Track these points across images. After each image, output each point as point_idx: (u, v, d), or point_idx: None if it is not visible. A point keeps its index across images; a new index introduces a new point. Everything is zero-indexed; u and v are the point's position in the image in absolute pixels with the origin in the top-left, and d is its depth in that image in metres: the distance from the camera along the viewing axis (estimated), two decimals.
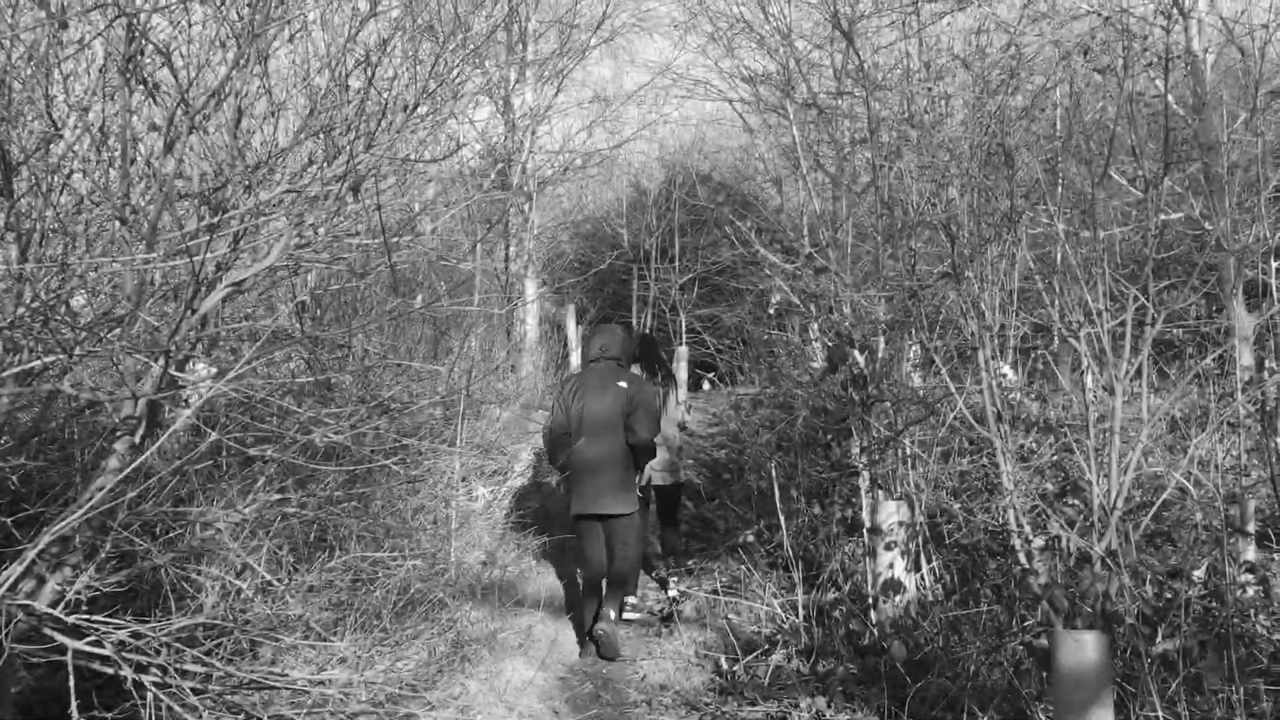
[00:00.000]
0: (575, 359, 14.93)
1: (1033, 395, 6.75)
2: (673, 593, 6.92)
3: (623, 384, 6.42)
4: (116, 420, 3.53)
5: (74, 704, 3.02)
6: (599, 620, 6.11)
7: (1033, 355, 7.51)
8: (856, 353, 6.01)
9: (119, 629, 3.33)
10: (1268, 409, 4.75)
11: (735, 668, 5.53)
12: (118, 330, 3.27)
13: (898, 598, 5.49)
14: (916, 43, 8.39)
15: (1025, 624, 4.77)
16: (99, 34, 3.13)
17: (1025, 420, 5.74)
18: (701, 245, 16.60)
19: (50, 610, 3.20)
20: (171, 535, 4.31)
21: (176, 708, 3.56)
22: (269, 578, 4.44)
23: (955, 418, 5.65)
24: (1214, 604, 4.41)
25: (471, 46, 4.20)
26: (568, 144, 15.83)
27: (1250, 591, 4.70)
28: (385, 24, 4.00)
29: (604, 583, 6.33)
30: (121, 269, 3.27)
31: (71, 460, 4.57)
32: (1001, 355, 6.82)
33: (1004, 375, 6.31)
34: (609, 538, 6.37)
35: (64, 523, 2.84)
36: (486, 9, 6.23)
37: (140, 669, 3.48)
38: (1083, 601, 3.95)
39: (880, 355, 6.11)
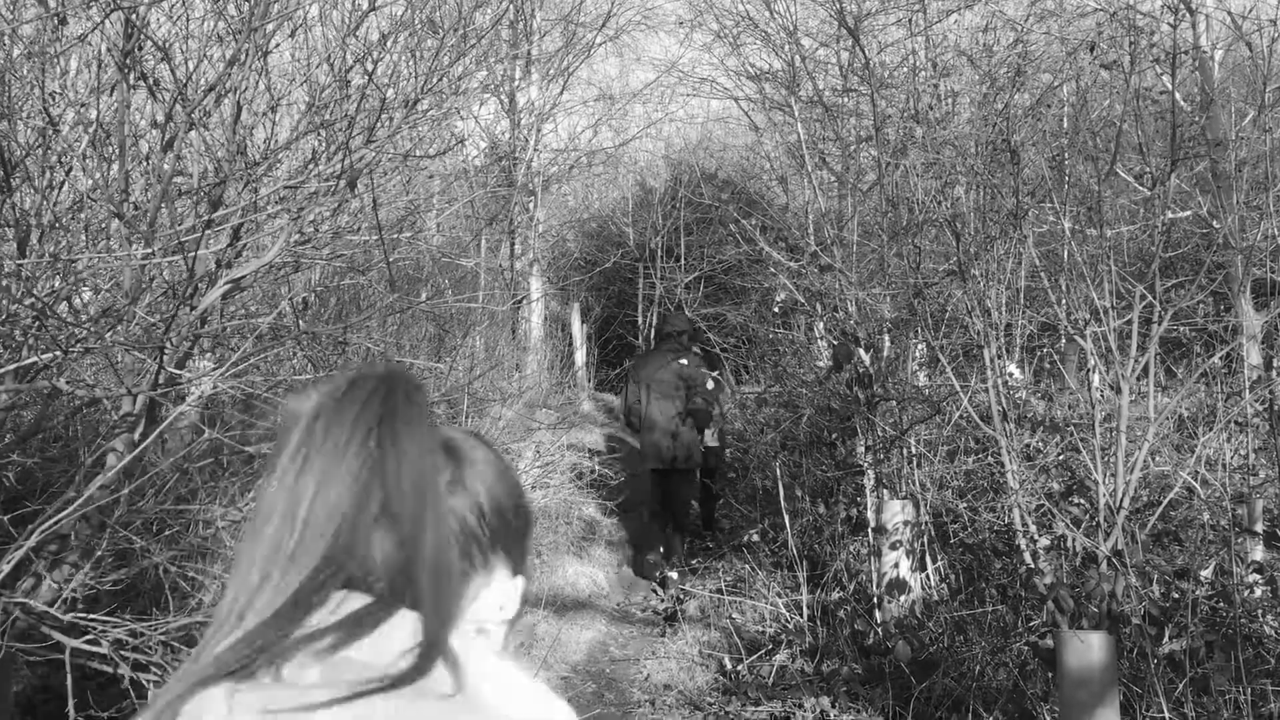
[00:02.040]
0: (580, 357, 14.91)
1: (1039, 394, 6.71)
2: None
3: (682, 361, 7.86)
4: (115, 418, 3.52)
5: (71, 703, 3.00)
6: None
7: (1039, 354, 7.47)
8: (862, 351, 5.98)
9: (116, 627, 3.31)
10: (1276, 408, 4.71)
11: (739, 667, 5.50)
12: (117, 327, 3.25)
13: (902, 597, 5.46)
14: (923, 40, 8.37)
15: (1030, 624, 4.74)
16: (96, 27, 3.12)
17: (1031, 419, 5.71)
18: (707, 244, 16.55)
19: (47, 608, 3.18)
20: (172, 533, 4.29)
21: None
22: None
23: (961, 416, 5.62)
24: (1221, 604, 4.38)
25: (474, 41, 4.18)
26: (573, 142, 15.81)
27: (1258, 591, 4.67)
28: (386, 19, 3.98)
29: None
30: (120, 266, 3.25)
31: (74, 458, 4.56)
32: (1007, 354, 6.79)
33: (1010, 374, 6.28)
34: (670, 486, 7.80)
35: (55, 519, 2.82)
36: (491, 5, 6.22)
37: (139, 667, 3.46)
38: (1088, 601, 3.92)
39: (885, 354, 6.08)
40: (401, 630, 0.90)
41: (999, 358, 4.80)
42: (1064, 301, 4.60)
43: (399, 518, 0.91)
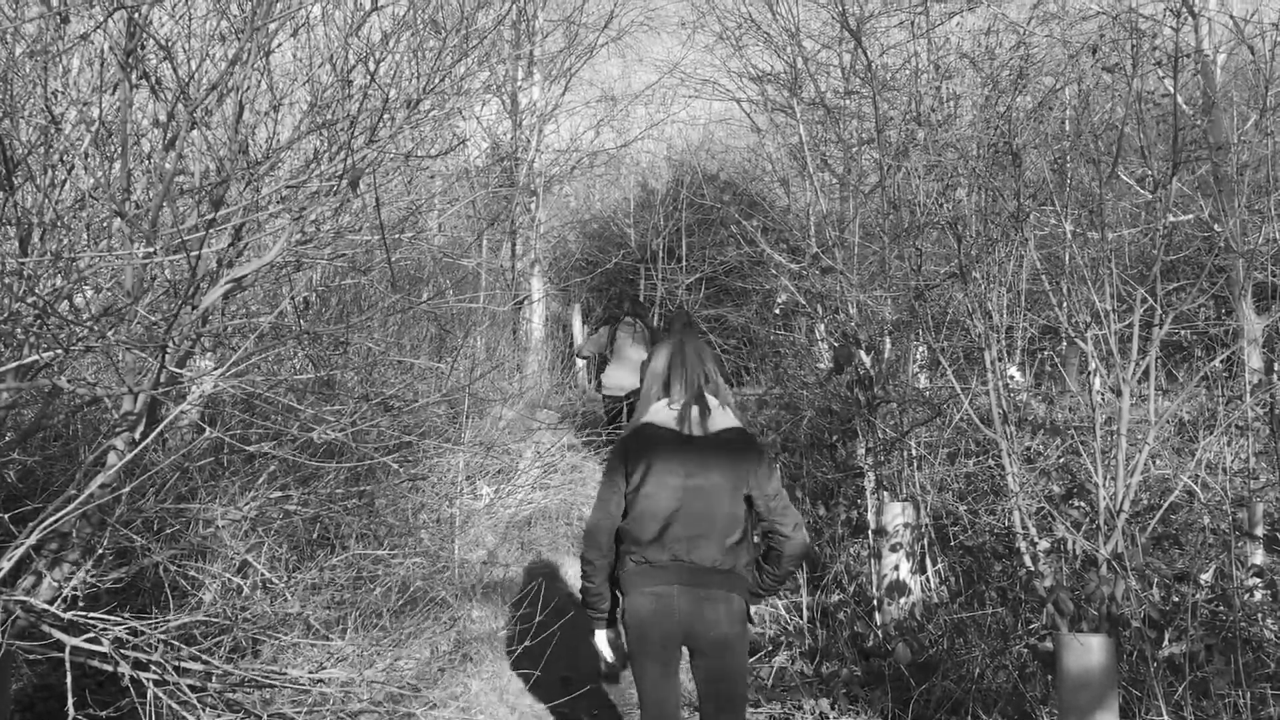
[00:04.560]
0: (580, 359, 14.92)
1: (1039, 397, 6.71)
2: None
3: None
4: (116, 416, 3.52)
5: (70, 701, 3.00)
6: None
7: (1039, 356, 7.47)
8: (863, 353, 5.98)
9: (117, 626, 3.31)
10: (1276, 412, 4.71)
11: None
12: (118, 326, 3.25)
13: (902, 600, 5.46)
14: (925, 43, 8.37)
15: (1030, 627, 4.74)
16: (99, 26, 3.12)
17: (1031, 422, 5.71)
18: (708, 245, 16.57)
19: (48, 606, 3.19)
20: (172, 532, 4.30)
21: (175, 705, 3.54)
22: (269, 575, 4.43)
23: (961, 419, 5.63)
24: (1221, 608, 4.38)
25: (476, 41, 4.18)
26: (575, 143, 15.83)
27: (1258, 595, 4.66)
28: (388, 19, 3.98)
29: None
30: (121, 264, 3.26)
31: (75, 456, 4.57)
32: (1008, 356, 6.78)
33: (1011, 376, 6.27)
34: None
35: (56, 517, 2.82)
36: (494, 6, 6.22)
37: (139, 666, 3.47)
38: (1088, 604, 3.92)
39: (886, 356, 6.08)
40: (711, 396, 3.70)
41: (1000, 360, 4.80)
42: (1065, 304, 4.61)
43: (702, 366, 3.70)
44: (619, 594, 3.61)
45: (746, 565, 3.54)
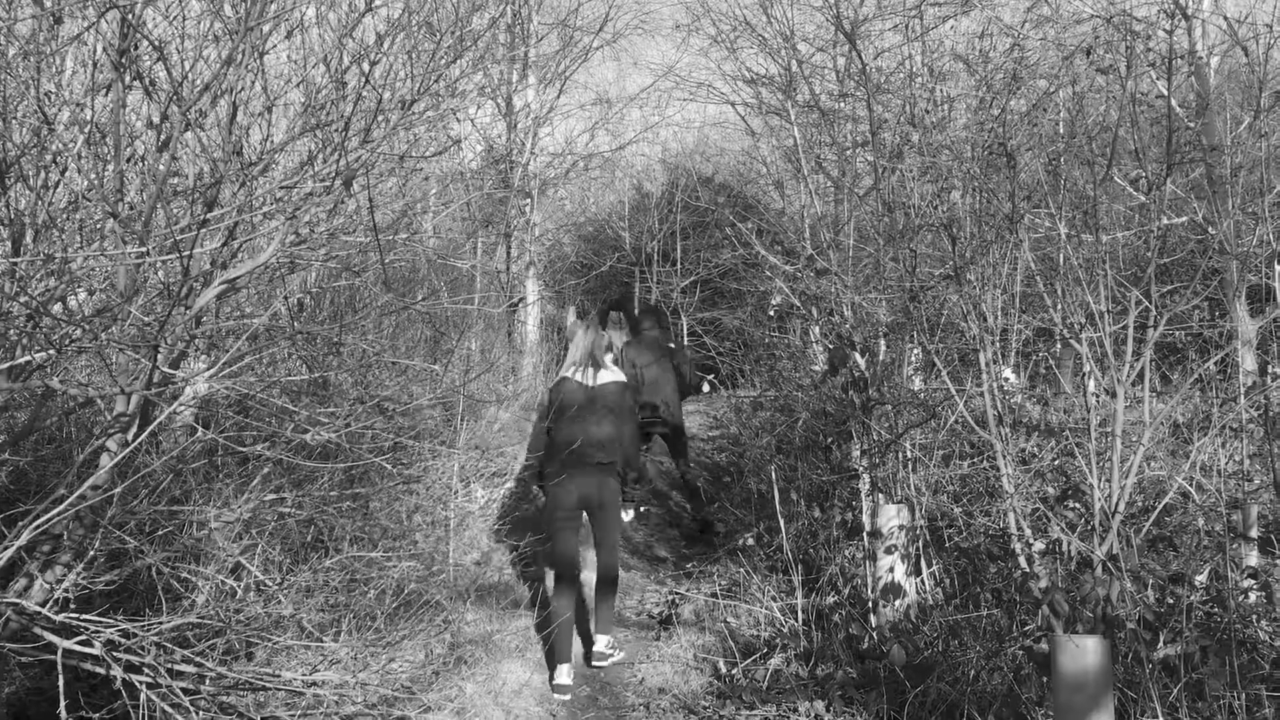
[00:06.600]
0: None
1: (1034, 398, 6.71)
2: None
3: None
4: (109, 418, 3.51)
5: (62, 704, 2.99)
6: None
7: (1034, 358, 7.47)
8: (857, 355, 5.98)
9: (109, 628, 3.30)
10: (1270, 413, 4.71)
11: (734, 671, 5.49)
12: (111, 327, 3.24)
13: (897, 602, 5.46)
14: (919, 45, 8.38)
15: (1025, 628, 4.74)
16: (91, 25, 3.11)
17: (1026, 423, 5.71)
18: (703, 248, 16.56)
19: (40, 609, 3.17)
20: (165, 534, 4.28)
21: (168, 708, 3.53)
22: (262, 578, 4.41)
23: (956, 421, 5.62)
24: (1216, 609, 4.38)
25: (470, 43, 4.18)
26: (570, 145, 15.81)
27: (1252, 597, 4.66)
28: (383, 21, 3.97)
29: None
30: (114, 265, 3.25)
31: (68, 458, 4.55)
32: (1003, 358, 6.78)
33: (1005, 378, 6.27)
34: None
35: (47, 518, 2.80)
36: (489, 8, 6.21)
37: (132, 669, 3.45)
38: (1083, 606, 3.91)
39: (881, 358, 6.08)
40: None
41: (994, 362, 4.80)
42: (1059, 306, 4.61)
43: (594, 345, 6.25)
44: (545, 484, 6.11)
45: (621, 462, 6.08)
